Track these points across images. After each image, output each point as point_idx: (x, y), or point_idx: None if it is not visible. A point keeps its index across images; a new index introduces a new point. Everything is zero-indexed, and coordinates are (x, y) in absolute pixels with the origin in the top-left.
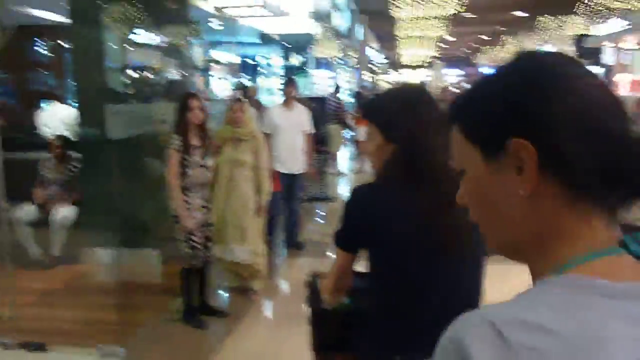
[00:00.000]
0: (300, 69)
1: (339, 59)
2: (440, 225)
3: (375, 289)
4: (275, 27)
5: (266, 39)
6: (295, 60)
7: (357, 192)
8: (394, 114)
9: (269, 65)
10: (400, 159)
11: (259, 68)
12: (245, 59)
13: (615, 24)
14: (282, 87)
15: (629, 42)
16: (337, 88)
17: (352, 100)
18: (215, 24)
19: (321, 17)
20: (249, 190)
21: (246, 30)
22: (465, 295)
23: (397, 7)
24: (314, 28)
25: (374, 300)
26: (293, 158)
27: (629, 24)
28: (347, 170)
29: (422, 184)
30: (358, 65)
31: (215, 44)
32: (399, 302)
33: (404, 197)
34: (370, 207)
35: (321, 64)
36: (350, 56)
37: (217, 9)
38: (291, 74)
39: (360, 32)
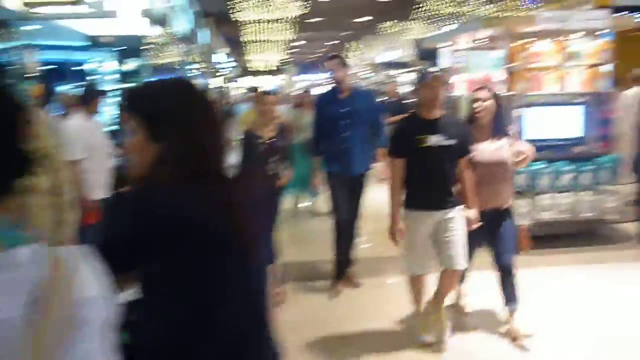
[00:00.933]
0: (136, 75)
1: (183, 64)
2: (226, 232)
3: (155, 319)
4: (103, 29)
5: (96, 42)
6: (131, 65)
7: (138, 196)
8: (165, 108)
9: (95, 71)
10: (171, 159)
11: (87, 74)
12: (64, 64)
13: (449, 29)
14: (87, 95)
15: (463, 44)
16: None
17: None
18: (29, 24)
19: (158, 18)
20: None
21: (67, 33)
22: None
23: (238, 10)
24: (149, 30)
25: (153, 334)
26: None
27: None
28: None
29: (200, 185)
30: (204, 71)
31: (31, 48)
32: (185, 334)
33: (191, 198)
34: (162, 211)
35: (162, 70)
36: (196, 62)
37: (27, 4)
38: (127, 81)
39: (205, 36)
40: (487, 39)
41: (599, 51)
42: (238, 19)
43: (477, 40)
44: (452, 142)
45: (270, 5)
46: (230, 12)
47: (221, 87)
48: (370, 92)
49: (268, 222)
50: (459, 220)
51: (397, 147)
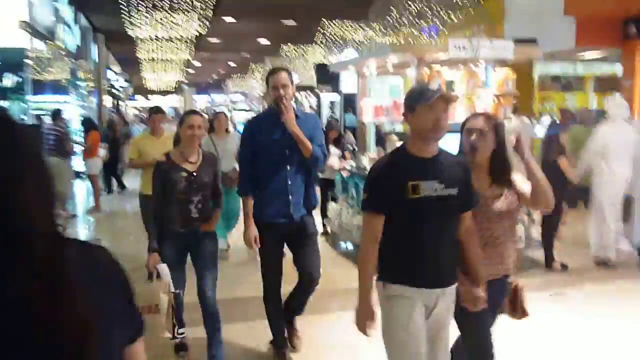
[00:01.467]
0: (15, 91)
1: (71, 81)
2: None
3: None
4: None
5: None
6: (9, 81)
7: None
8: None
9: None
10: None
11: None
12: None
13: (351, 54)
14: None
15: (370, 68)
16: (57, 113)
17: (81, 127)
18: None
19: (40, 31)
20: None
21: None
22: None
23: (134, 26)
24: (31, 44)
25: None
26: None
27: (368, 51)
28: (81, 210)
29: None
30: (93, 89)
31: None
32: None
33: None
34: None
35: (47, 86)
36: (85, 79)
37: None
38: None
39: (95, 52)
40: (393, 65)
41: (504, 80)
42: (132, 35)
43: (381, 66)
44: (453, 190)
45: (166, 24)
46: (124, 28)
47: (114, 106)
48: (315, 116)
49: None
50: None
51: (378, 198)
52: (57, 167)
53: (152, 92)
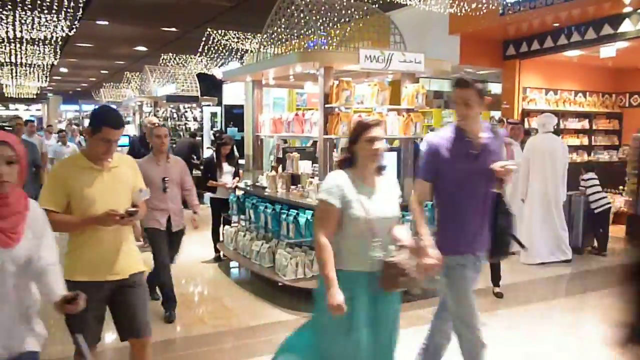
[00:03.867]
0: None
1: None
2: None
3: None
4: None
5: None
6: None
7: None
8: None
9: None
10: None
11: None
12: None
13: (236, 65)
14: None
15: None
16: None
17: None
18: None
19: None
20: None
21: None
22: None
23: None
24: None
25: None
26: None
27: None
28: None
29: None
30: None
31: None
32: None
33: None
34: None
35: None
36: None
37: None
38: None
39: None
40: (295, 75)
41: (414, 95)
42: None
43: (282, 77)
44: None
45: (27, 23)
46: None
47: None
48: None
49: None
50: None
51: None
52: None
53: (13, 99)
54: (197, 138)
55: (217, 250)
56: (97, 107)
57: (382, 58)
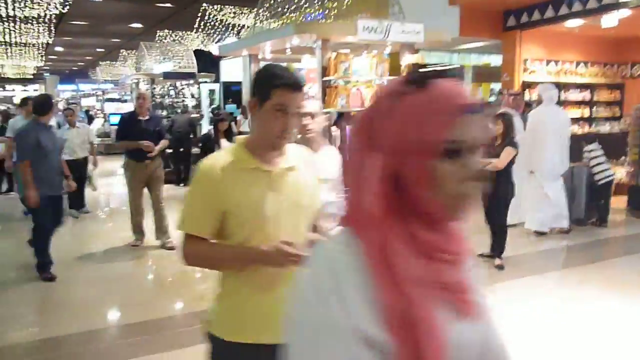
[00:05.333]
0: None
1: None
2: None
3: None
4: None
5: None
6: None
7: None
8: None
9: None
10: None
11: None
12: None
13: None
14: None
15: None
16: None
17: None
18: None
19: None
20: None
21: None
22: None
23: None
24: None
25: None
26: None
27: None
28: None
29: None
30: None
31: None
32: None
33: None
34: None
35: None
36: None
37: None
38: None
39: None
40: (292, 49)
41: (412, 65)
42: None
43: (278, 50)
44: None
45: (20, 2)
46: None
47: None
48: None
49: None
50: None
51: None
52: None
53: (9, 80)
54: (195, 115)
55: None
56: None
57: (380, 29)
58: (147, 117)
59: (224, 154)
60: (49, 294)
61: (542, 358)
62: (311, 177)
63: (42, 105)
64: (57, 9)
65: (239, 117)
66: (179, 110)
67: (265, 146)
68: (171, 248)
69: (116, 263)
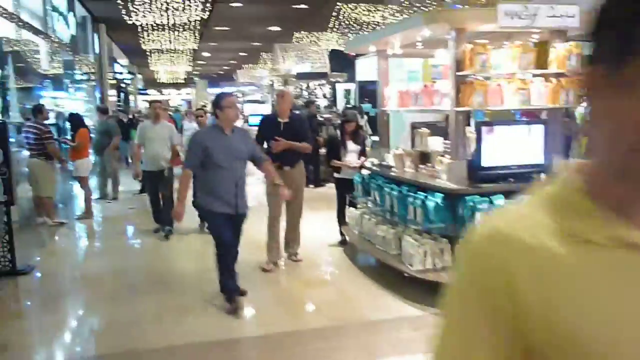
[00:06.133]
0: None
1: (69, 74)
2: None
3: None
4: None
5: None
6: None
7: None
8: None
9: None
10: None
11: None
12: None
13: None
14: None
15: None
16: (38, 109)
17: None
18: None
19: (25, 19)
20: None
21: None
22: None
23: (133, 12)
24: (14, 32)
25: None
26: None
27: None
28: (70, 217)
29: None
30: (94, 83)
31: None
32: None
33: None
34: None
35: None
36: (85, 72)
37: None
38: None
39: (95, 43)
40: (424, 42)
41: (566, 56)
42: (130, 22)
43: (408, 44)
44: None
45: (167, 9)
46: (124, 16)
47: (122, 100)
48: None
49: None
50: None
51: None
52: (38, 169)
53: (165, 85)
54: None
55: (342, 234)
56: None
57: (525, 14)
58: (286, 120)
59: (530, 208)
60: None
61: None
62: None
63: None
64: (199, 16)
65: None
66: (301, 105)
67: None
68: (298, 260)
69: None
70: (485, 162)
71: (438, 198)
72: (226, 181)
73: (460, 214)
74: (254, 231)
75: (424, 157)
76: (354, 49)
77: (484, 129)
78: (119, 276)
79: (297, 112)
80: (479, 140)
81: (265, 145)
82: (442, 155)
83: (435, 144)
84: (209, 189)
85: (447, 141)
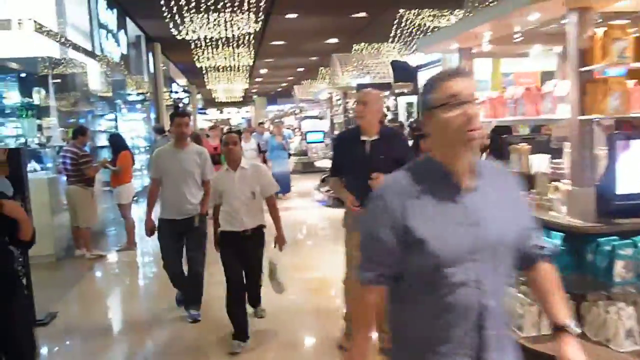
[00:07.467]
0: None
1: (122, 94)
2: None
3: None
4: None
5: None
6: (38, 95)
7: None
8: None
9: None
10: None
11: None
12: None
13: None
14: None
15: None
16: (80, 132)
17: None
18: None
19: (71, 39)
20: None
21: None
22: None
23: (185, 28)
24: (60, 51)
25: None
26: None
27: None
28: (111, 249)
29: None
30: (149, 102)
31: None
32: None
33: None
34: None
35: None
36: (140, 93)
37: None
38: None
39: (150, 62)
40: (525, 32)
41: None
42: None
43: (499, 39)
44: None
45: (220, 24)
46: (173, 30)
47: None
48: None
49: None
50: None
51: None
52: (76, 197)
53: (223, 104)
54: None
55: None
56: None
57: None
58: (375, 137)
59: None
60: None
61: None
62: None
63: None
64: (253, 28)
65: None
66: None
67: None
68: None
69: None
70: (620, 188)
71: (556, 239)
72: None
73: (590, 260)
74: None
75: (527, 181)
76: (428, 49)
77: (618, 143)
78: (159, 327)
79: (389, 125)
80: (612, 158)
81: (344, 175)
82: (557, 180)
83: (540, 163)
84: None
85: (557, 160)
